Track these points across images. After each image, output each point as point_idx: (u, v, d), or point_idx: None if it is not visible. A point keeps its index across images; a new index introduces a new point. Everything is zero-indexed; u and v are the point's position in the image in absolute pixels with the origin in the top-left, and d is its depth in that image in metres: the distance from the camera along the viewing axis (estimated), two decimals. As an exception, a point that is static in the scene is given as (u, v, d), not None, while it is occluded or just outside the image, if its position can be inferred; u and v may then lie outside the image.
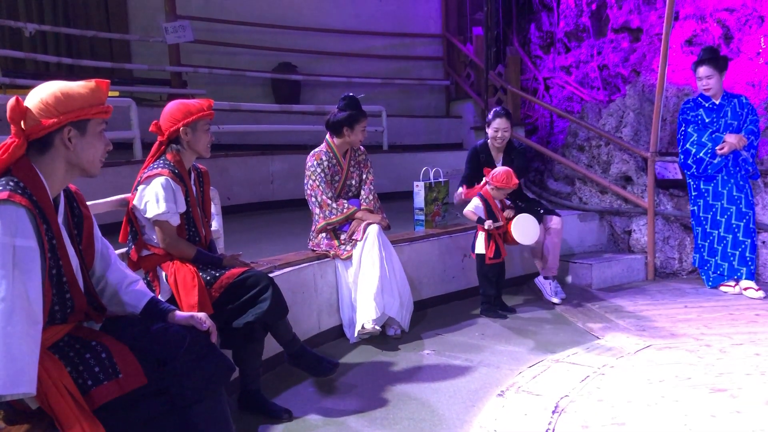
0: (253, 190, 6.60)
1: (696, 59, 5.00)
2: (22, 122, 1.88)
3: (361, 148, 4.22)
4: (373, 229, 3.93)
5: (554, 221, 4.72)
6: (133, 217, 2.86)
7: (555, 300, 4.74)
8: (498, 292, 4.53)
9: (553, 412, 2.87)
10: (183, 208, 2.85)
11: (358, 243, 3.92)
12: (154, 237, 2.85)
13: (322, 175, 3.97)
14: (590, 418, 2.79)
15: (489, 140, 4.80)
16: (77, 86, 1.96)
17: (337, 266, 4.05)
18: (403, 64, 9.71)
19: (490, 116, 4.77)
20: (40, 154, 1.93)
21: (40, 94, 1.92)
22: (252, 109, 7.44)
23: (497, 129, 4.69)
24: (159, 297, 2.43)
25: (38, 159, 1.93)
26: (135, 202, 2.82)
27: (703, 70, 4.89)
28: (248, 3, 8.80)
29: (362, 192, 4.18)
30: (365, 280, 3.86)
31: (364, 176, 4.21)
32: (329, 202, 3.94)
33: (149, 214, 2.78)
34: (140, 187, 2.81)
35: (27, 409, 1.89)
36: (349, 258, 3.95)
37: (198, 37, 8.03)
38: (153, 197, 2.76)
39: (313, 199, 3.98)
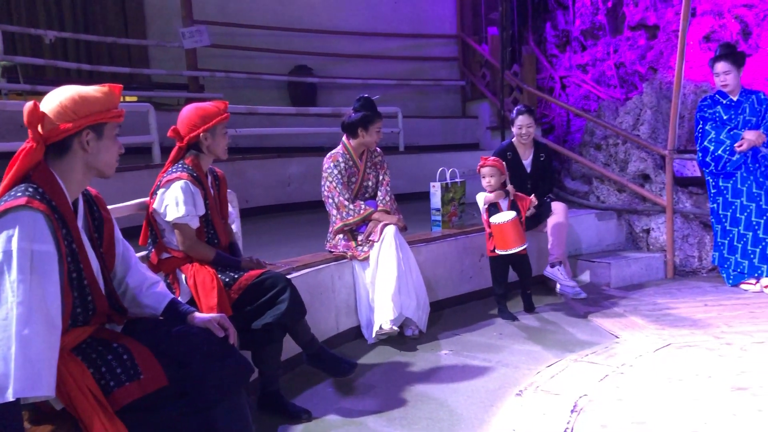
0: (270, 192, 6.63)
1: (713, 55, 4.96)
2: (39, 126, 1.90)
3: (378, 149, 4.24)
4: (390, 230, 3.94)
5: (555, 205, 4.77)
6: (152, 220, 2.90)
7: (570, 284, 4.69)
8: (523, 287, 4.55)
9: (572, 411, 2.86)
10: (202, 211, 2.88)
11: (375, 244, 3.93)
12: (174, 240, 2.88)
13: (339, 176, 3.98)
14: (609, 417, 2.78)
15: (515, 138, 4.93)
16: (93, 90, 1.99)
17: (354, 267, 4.06)
18: (419, 65, 9.73)
19: (513, 114, 4.90)
20: (58, 158, 1.95)
21: (58, 98, 1.94)
22: (268, 112, 7.47)
23: (521, 126, 4.82)
24: (179, 299, 2.46)
25: (56, 163, 1.95)
26: (155, 205, 2.85)
27: (720, 66, 4.84)
28: (264, 7, 8.87)
29: (379, 193, 4.19)
30: (383, 280, 3.87)
31: (380, 177, 4.22)
32: (346, 203, 3.96)
33: (169, 218, 2.81)
34: (160, 191, 2.85)
35: (52, 410, 1.93)
36: (367, 259, 3.96)
37: (214, 42, 8.11)
38: (173, 201, 2.79)
39: (330, 201, 4.00)
